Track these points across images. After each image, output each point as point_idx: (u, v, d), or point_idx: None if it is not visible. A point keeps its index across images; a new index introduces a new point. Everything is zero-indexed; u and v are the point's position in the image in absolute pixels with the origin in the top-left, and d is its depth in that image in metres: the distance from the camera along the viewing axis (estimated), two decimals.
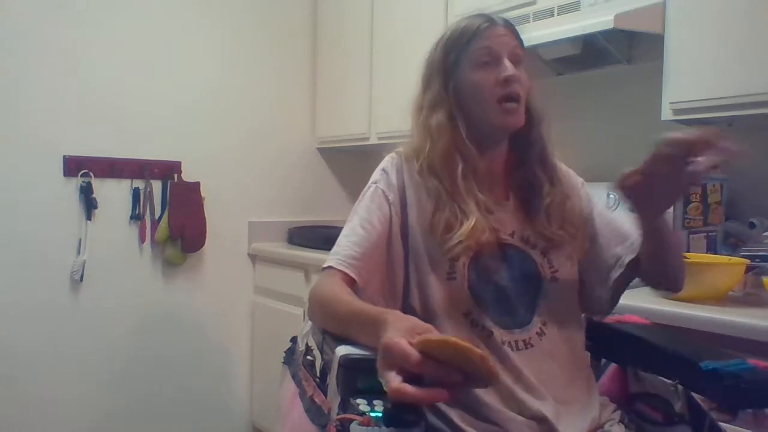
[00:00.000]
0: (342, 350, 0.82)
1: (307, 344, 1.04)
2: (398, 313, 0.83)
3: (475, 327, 0.98)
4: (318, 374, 0.99)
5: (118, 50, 2.35)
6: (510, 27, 1.06)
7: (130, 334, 2.41)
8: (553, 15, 1.82)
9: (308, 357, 1.03)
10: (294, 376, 1.03)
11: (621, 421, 1.01)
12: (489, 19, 1.05)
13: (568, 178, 1.14)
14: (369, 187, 1.07)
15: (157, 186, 2.45)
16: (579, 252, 1.08)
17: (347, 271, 0.98)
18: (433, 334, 0.72)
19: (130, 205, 2.39)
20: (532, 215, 1.07)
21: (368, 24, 2.55)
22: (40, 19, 2.19)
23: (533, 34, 1.82)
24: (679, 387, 0.94)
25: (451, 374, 0.69)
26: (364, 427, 0.69)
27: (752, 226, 1.59)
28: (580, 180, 1.17)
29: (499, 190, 1.09)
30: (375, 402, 0.74)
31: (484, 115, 1.04)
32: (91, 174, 2.29)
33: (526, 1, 1.92)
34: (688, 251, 1.53)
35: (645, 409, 0.78)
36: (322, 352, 0.95)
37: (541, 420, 0.92)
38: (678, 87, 1.57)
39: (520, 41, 1.07)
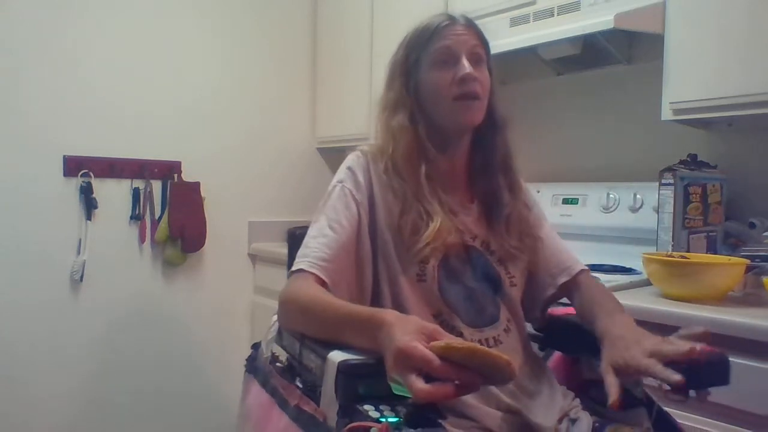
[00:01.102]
0: (337, 356, 0.79)
1: (272, 351, 1.00)
2: (396, 312, 0.81)
3: (444, 328, 0.96)
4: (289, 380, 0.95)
5: (118, 50, 2.35)
6: (471, 26, 1.06)
7: (130, 334, 2.41)
8: (553, 15, 1.82)
9: (277, 364, 0.99)
10: (265, 385, 0.99)
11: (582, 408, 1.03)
12: (449, 18, 1.05)
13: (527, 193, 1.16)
14: (335, 186, 1.05)
15: (157, 186, 2.45)
16: (530, 265, 1.11)
17: (319, 273, 0.95)
18: (454, 341, 0.71)
19: (130, 205, 2.39)
20: (493, 224, 1.08)
21: (368, 24, 2.54)
22: (40, 19, 2.19)
23: (533, 34, 1.82)
24: None
25: (472, 377, 0.70)
26: None
27: (752, 226, 1.59)
28: (533, 199, 1.18)
29: (463, 193, 1.10)
30: (382, 407, 0.72)
31: (442, 114, 1.04)
32: (91, 174, 2.29)
33: (526, 1, 1.92)
34: (688, 251, 1.53)
35: (601, 395, 0.79)
36: (301, 358, 0.90)
37: (515, 413, 0.94)
38: (678, 87, 1.56)
39: (483, 41, 1.06)
